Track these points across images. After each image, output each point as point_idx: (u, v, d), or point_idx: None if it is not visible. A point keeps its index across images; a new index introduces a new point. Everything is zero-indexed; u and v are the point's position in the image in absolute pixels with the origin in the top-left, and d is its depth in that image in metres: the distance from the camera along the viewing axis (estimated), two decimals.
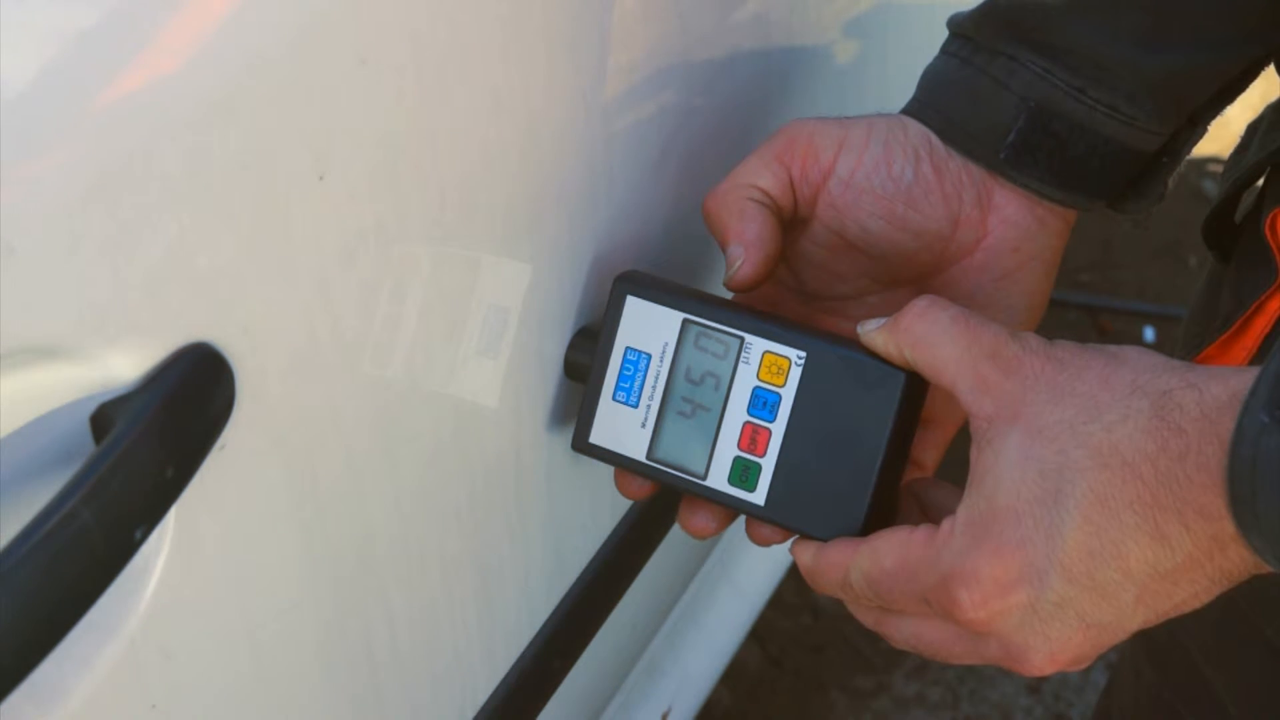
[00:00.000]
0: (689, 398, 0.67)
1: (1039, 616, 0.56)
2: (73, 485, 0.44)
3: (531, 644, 0.79)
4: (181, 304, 0.49)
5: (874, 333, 0.63)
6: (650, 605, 1.07)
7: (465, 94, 0.59)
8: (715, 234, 0.69)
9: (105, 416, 0.47)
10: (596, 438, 0.69)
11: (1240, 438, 0.50)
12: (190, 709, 0.54)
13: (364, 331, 0.58)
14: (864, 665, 1.74)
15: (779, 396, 0.66)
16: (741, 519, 0.69)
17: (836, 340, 0.66)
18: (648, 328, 0.68)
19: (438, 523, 0.67)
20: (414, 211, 0.59)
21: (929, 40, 0.75)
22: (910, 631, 0.60)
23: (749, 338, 0.66)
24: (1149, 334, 2.17)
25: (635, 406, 0.68)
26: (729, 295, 0.70)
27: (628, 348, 0.69)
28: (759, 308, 0.70)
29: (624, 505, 0.86)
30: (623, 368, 0.69)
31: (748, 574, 1.32)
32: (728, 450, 0.67)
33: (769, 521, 0.67)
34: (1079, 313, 2.20)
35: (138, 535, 0.46)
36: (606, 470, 0.71)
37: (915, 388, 0.64)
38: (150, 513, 0.47)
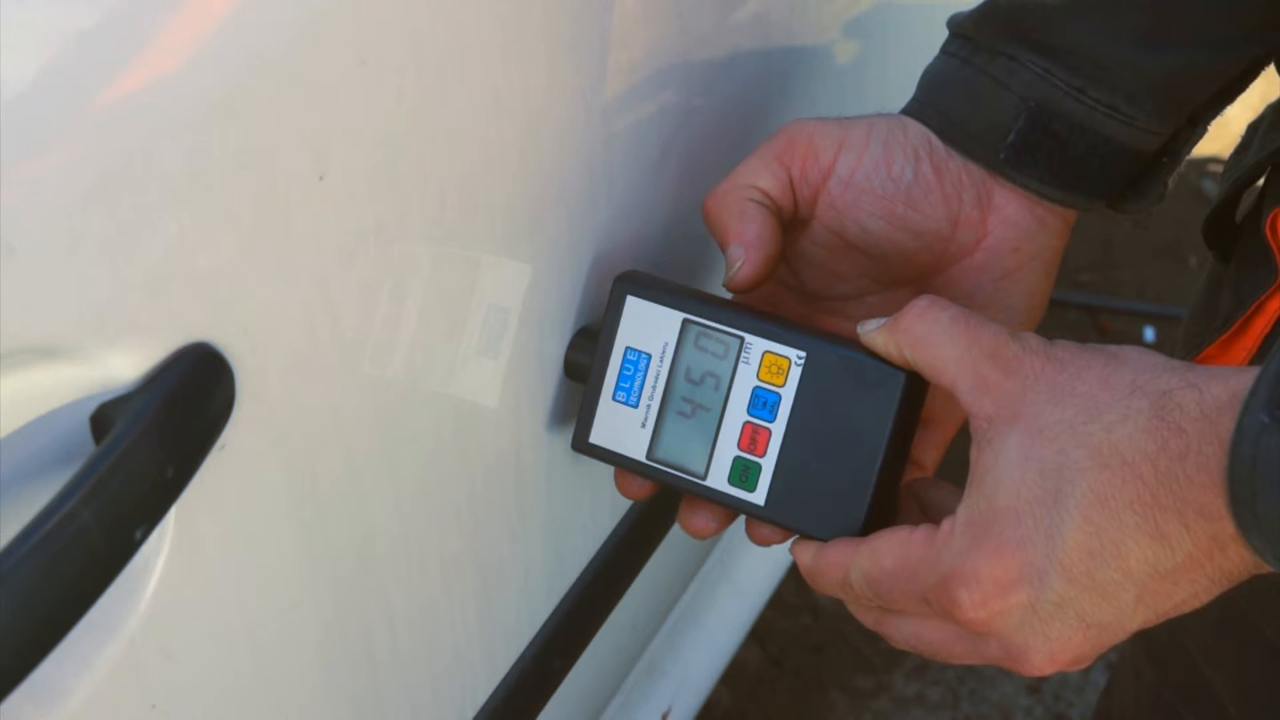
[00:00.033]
0: (689, 398, 0.67)
1: (1039, 616, 0.56)
2: (73, 485, 0.44)
3: (531, 644, 0.79)
4: (181, 304, 0.49)
5: (874, 333, 0.63)
6: (650, 605, 1.07)
7: (465, 94, 0.59)
8: (715, 234, 0.69)
9: (105, 416, 0.47)
10: (596, 438, 0.69)
11: (1240, 438, 0.50)
12: (190, 709, 0.54)
13: (364, 331, 0.58)
14: (864, 665, 1.74)
15: (779, 396, 0.66)
16: (741, 519, 0.69)
17: (836, 340, 0.66)
18: (648, 328, 0.68)
19: (438, 523, 0.67)
20: (414, 211, 0.59)
21: (929, 40, 0.75)
22: (910, 631, 0.60)
23: (749, 338, 0.66)
24: (1149, 334, 2.17)
25: (635, 406, 0.68)
26: (729, 295, 0.70)
27: (628, 348, 0.69)
28: (759, 308, 0.70)
29: (624, 505, 0.86)
30: (623, 368, 0.69)
31: (748, 574, 1.32)
32: (728, 450, 0.67)
33: (769, 521, 0.67)
34: (1079, 313, 2.20)
35: (138, 535, 0.46)
36: (606, 470, 0.71)
37: (915, 388, 0.64)
38: (150, 513, 0.47)
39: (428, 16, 0.56)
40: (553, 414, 0.73)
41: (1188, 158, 0.74)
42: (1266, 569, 0.54)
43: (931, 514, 0.65)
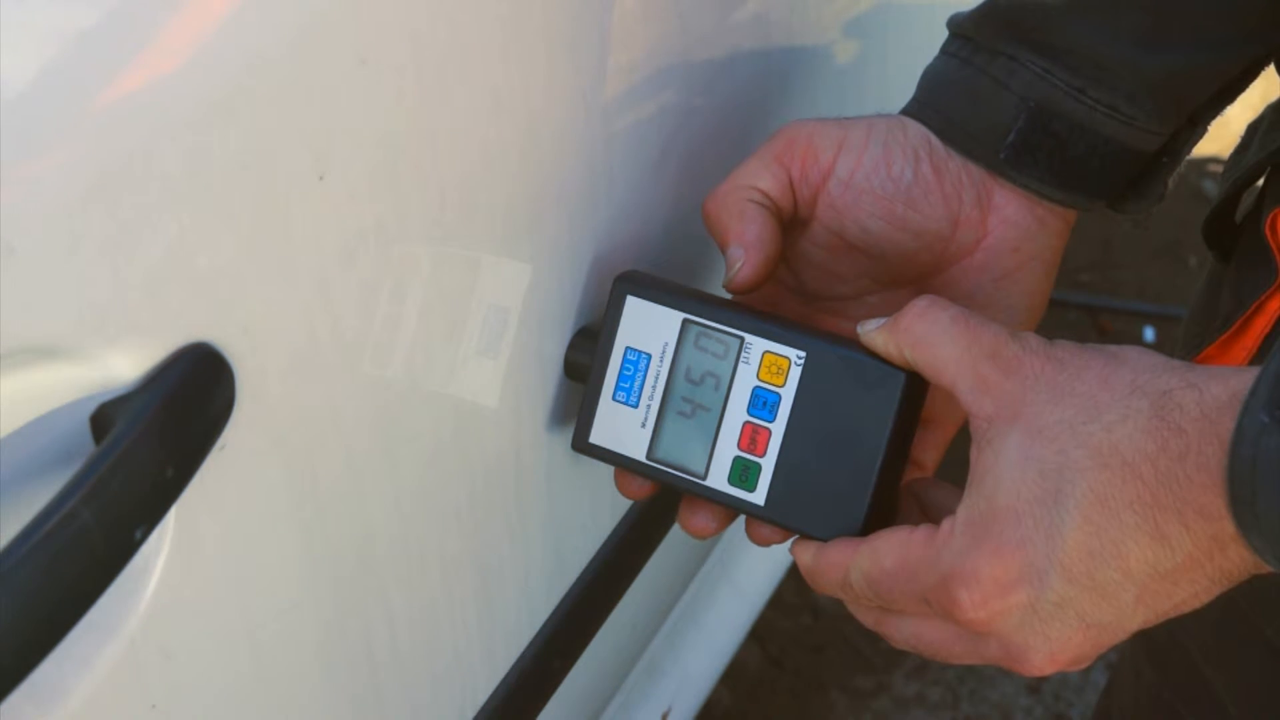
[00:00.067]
0: (689, 398, 0.67)
1: (1039, 616, 0.56)
2: (73, 485, 0.44)
3: (531, 644, 0.79)
4: (181, 304, 0.49)
5: (874, 333, 0.63)
6: (650, 605, 1.07)
7: (465, 94, 0.59)
8: (715, 236, 0.69)
9: (105, 416, 0.47)
10: (596, 438, 0.69)
11: (1240, 438, 0.50)
12: (190, 709, 0.54)
13: (364, 331, 0.58)
14: (864, 665, 1.74)
15: (779, 396, 0.66)
16: (741, 519, 0.69)
17: (836, 340, 0.66)
18: (648, 328, 0.68)
19: (438, 523, 0.67)
20: (414, 211, 0.59)
21: (929, 40, 0.75)
22: (910, 631, 0.60)
23: (749, 338, 0.66)
24: (1149, 334, 2.17)
25: (635, 406, 0.68)
26: (729, 295, 0.70)
27: (628, 348, 0.69)
28: (759, 308, 0.70)
29: (624, 505, 0.86)
30: (623, 368, 0.69)
31: (748, 574, 1.32)
32: (728, 450, 0.67)
33: (769, 521, 0.67)
34: (1079, 313, 2.20)
35: (138, 535, 0.46)
36: (606, 470, 0.71)
37: (915, 388, 0.64)
38: (150, 513, 0.47)
39: (428, 16, 0.56)
40: (553, 414, 0.73)
41: (1188, 158, 0.74)
42: (1266, 569, 0.54)
43: (931, 514, 0.65)
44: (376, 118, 0.55)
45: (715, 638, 1.28)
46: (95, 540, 0.45)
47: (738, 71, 0.83)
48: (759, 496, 0.66)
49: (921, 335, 0.60)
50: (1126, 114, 0.69)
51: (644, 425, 0.68)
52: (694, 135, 0.79)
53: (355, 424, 0.59)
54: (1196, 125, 0.73)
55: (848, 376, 0.64)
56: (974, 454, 0.58)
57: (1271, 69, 0.72)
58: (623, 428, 0.69)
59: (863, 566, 0.60)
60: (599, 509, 0.83)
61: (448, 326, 0.63)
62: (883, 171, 0.69)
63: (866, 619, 0.63)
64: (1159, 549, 0.53)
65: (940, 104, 0.71)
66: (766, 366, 0.66)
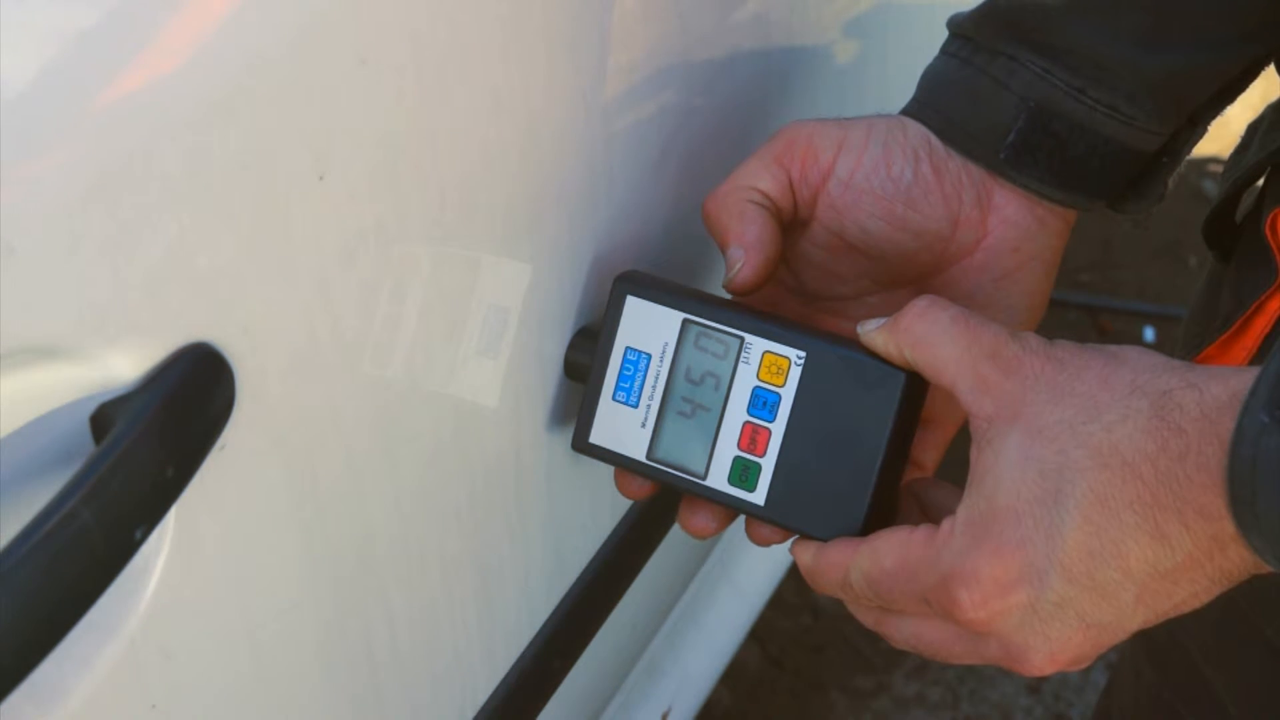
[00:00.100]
0: (689, 398, 0.67)
1: (1039, 616, 0.56)
2: (73, 485, 0.44)
3: (531, 644, 0.79)
4: (181, 304, 0.49)
5: (874, 333, 0.63)
6: (650, 605, 1.07)
7: (465, 94, 0.59)
8: (715, 236, 0.69)
9: (105, 416, 0.47)
10: (596, 438, 0.69)
11: (1240, 438, 0.50)
12: (190, 709, 0.54)
13: (364, 331, 0.58)
14: (864, 665, 1.74)
15: (779, 396, 0.66)
16: (741, 519, 0.69)
17: (836, 340, 0.66)
18: (648, 328, 0.68)
19: (438, 523, 0.67)
20: (414, 211, 0.59)
21: (929, 40, 0.75)
22: (910, 631, 0.60)
23: (749, 338, 0.66)
24: (1149, 334, 2.17)
25: (635, 406, 0.68)
26: (729, 296, 0.70)
27: (628, 348, 0.69)
28: (759, 308, 0.70)
29: (624, 505, 0.86)
30: (623, 368, 0.69)
31: (748, 574, 1.32)
32: (728, 450, 0.67)
33: (769, 521, 0.67)
34: (1079, 313, 2.20)
35: (138, 535, 0.46)
36: (606, 470, 0.71)
37: (915, 388, 0.64)
38: (150, 513, 0.47)
39: (428, 16, 0.56)
40: (553, 414, 0.73)
41: (1188, 158, 0.74)
42: (1266, 569, 0.54)
43: (931, 514, 0.65)
44: (376, 118, 0.55)
45: (715, 638, 1.28)
46: (95, 540, 0.45)
47: (738, 71, 0.83)
48: (759, 496, 0.66)
49: (921, 335, 0.60)
50: (1126, 114, 0.69)
51: (644, 425, 0.68)
52: (694, 135, 0.79)
53: (355, 424, 0.59)
54: (1196, 125, 0.73)
55: (848, 376, 0.64)
56: (974, 454, 0.57)
57: (1271, 69, 0.72)
58: (623, 428, 0.69)
59: (863, 566, 0.60)
60: (599, 509, 0.83)
61: (448, 326, 0.63)
62: (882, 172, 0.69)
63: (866, 619, 0.63)
64: (1159, 549, 0.54)
65: (940, 104, 0.71)
66: (766, 366, 0.66)
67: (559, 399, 0.73)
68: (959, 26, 0.72)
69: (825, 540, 0.64)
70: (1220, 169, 1.03)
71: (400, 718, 0.69)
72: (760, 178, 0.69)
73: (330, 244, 0.54)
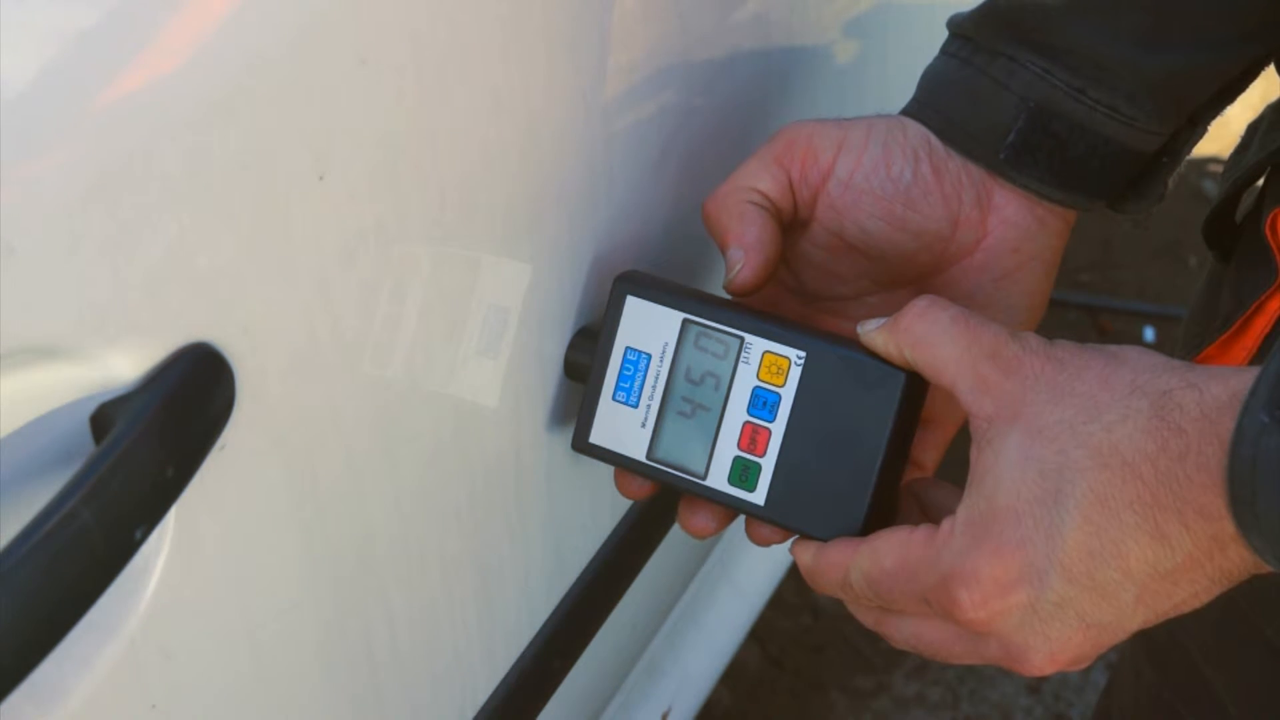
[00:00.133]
0: (689, 398, 0.67)
1: (1039, 616, 0.56)
2: (73, 485, 0.44)
3: (531, 644, 0.79)
4: (181, 304, 0.49)
5: (874, 333, 0.63)
6: (650, 605, 1.07)
7: (465, 94, 0.59)
8: (715, 237, 0.69)
9: (105, 416, 0.47)
10: (596, 438, 0.69)
11: (1240, 438, 0.50)
12: (190, 709, 0.54)
13: (364, 331, 0.58)
14: (864, 665, 1.74)
15: (779, 396, 0.66)
16: (741, 519, 0.69)
17: (836, 340, 0.66)
18: (648, 328, 0.68)
19: (438, 523, 0.67)
20: (414, 211, 0.59)
21: (929, 40, 0.75)
22: (910, 631, 0.60)
23: (749, 338, 0.66)
24: (1149, 334, 2.17)
25: (635, 406, 0.68)
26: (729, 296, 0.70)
27: (628, 348, 0.69)
28: (759, 308, 0.70)
29: (624, 505, 0.86)
30: (623, 368, 0.69)
31: (748, 574, 1.32)
32: (727, 450, 0.67)
33: (769, 521, 0.67)
34: (1079, 313, 2.20)
35: (138, 535, 0.46)
36: (606, 470, 0.71)
37: (915, 388, 0.64)
38: (150, 513, 0.47)
39: (428, 16, 0.56)
40: (553, 414, 0.73)
41: (1188, 158, 0.74)
42: (1266, 569, 0.54)
43: (931, 514, 0.65)
44: (376, 118, 0.55)
45: (715, 638, 1.28)
46: (95, 540, 0.45)
47: (738, 71, 0.83)
48: (759, 496, 0.66)
49: (921, 335, 0.60)
50: (1126, 114, 0.69)
51: (644, 425, 0.68)
52: (694, 135, 0.79)
53: (355, 424, 0.59)
54: (1196, 125, 0.73)
55: (848, 376, 0.64)
56: (974, 454, 0.57)
57: (1271, 69, 0.72)
58: (623, 428, 0.69)
59: (863, 566, 0.60)
60: (599, 509, 0.83)
61: (448, 326, 0.63)
62: (882, 172, 0.69)
63: (866, 619, 0.63)
64: (1159, 549, 0.54)
65: (940, 104, 0.71)
66: (766, 366, 0.66)
67: (559, 399, 0.73)
68: (959, 27, 0.72)
69: (825, 540, 0.64)
70: (1220, 169, 1.03)
71: (400, 718, 0.69)
72: (760, 178, 0.69)
73: (330, 244, 0.54)
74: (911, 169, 0.69)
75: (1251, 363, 0.71)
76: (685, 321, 0.68)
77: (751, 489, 0.66)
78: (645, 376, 0.68)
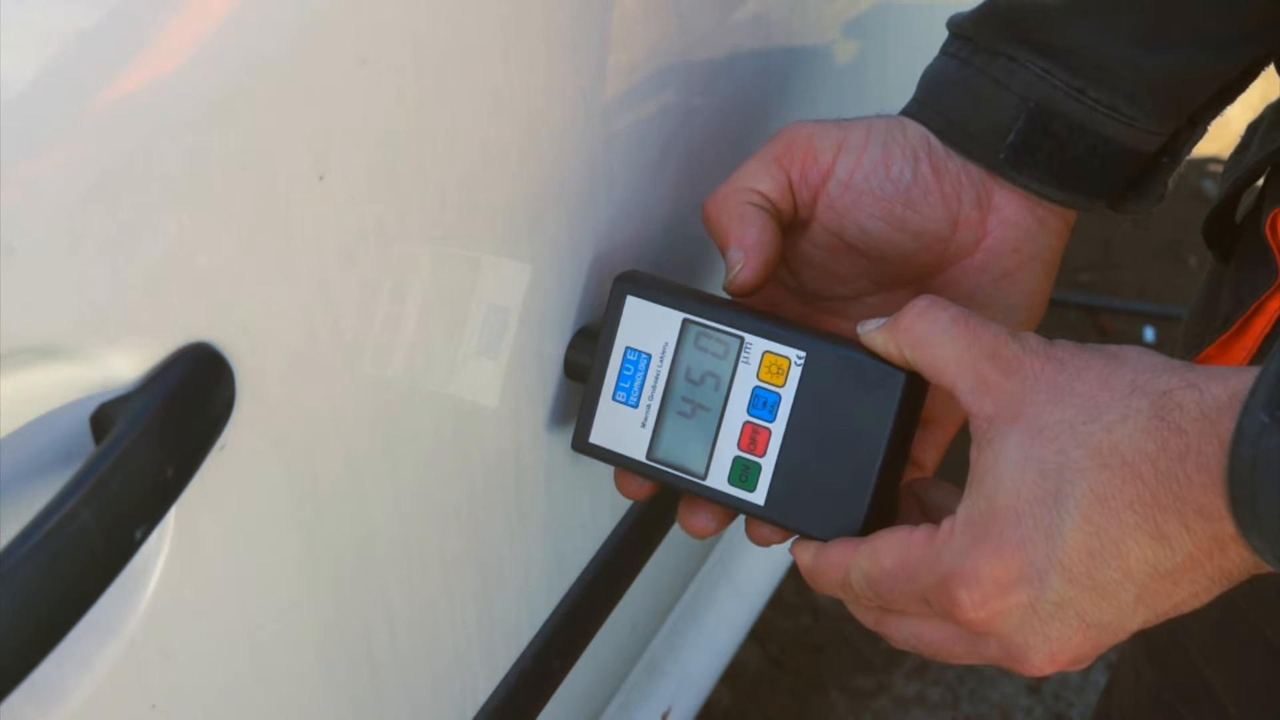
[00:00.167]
0: (689, 397, 0.67)
1: (1039, 616, 0.56)
2: (73, 485, 0.44)
3: (531, 644, 0.79)
4: (181, 304, 0.49)
5: (874, 333, 0.63)
6: (650, 605, 1.07)
7: (465, 94, 0.59)
8: (715, 238, 0.69)
9: (105, 416, 0.47)
10: (596, 438, 0.69)
11: (1240, 438, 0.50)
12: (190, 709, 0.54)
13: (364, 331, 0.58)
14: (864, 665, 1.74)
15: (779, 396, 0.66)
16: (741, 519, 0.69)
17: (836, 340, 0.66)
18: (648, 328, 0.68)
19: (438, 523, 0.67)
20: (414, 211, 0.59)
21: (929, 40, 0.75)
22: (910, 631, 0.60)
23: (749, 338, 0.66)
24: (1149, 334, 2.17)
25: (635, 406, 0.68)
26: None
27: (628, 348, 0.69)
28: (759, 308, 0.70)
29: (624, 505, 0.86)
30: (623, 368, 0.69)
31: (748, 574, 1.32)
32: (727, 450, 0.67)
33: (769, 521, 0.67)
34: (1079, 313, 2.20)
35: (138, 535, 0.46)
36: (606, 470, 0.71)
37: (915, 388, 0.64)
38: (150, 513, 0.47)
39: (428, 16, 0.56)
40: (553, 414, 0.73)
41: (1188, 158, 0.74)
42: (1266, 569, 0.54)
43: (931, 514, 0.65)
44: (376, 118, 0.55)
45: (715, 638, 1.28)
46: (95, 540, 0.45)
47: (738, 71, 0.83)
48: (759, 496, 0.66)
49: (921, 335, 0.60)
50: (1126, 114, 0.69)
51: (644, 425, 0.68)
52: (694, 135, 0.79)
53: (355, 424, 0.59)
54: (1196, 125, 0.73)
55: (848, 376, 0.64)
56: (974, 454, 0.58)
57: (1271, 69, 0.72)
58: (623, 428, 0.69)
59: (863, 566, 0.60)
60: (599, 509, 0.83)
61: (448, 326, 0.63)
62: (882, 172, 0.69)
63: (866, 619, 0.63)
64: (1159, 549, 0.54)
65: (940, 104, 0.71)
66: (766, 366, 0.66)
67: (559, 399, 0.73)
68: (959, 27, 0.72)
69: (825, 540, 0.64)
70: (1220, 169, 1.03)
71: (400, 718, 0.69)
72: (760, 179, 0.69)
73: (330, 244, 0.54)
74: (911, 169, 0.69)
75: (1251, 363, 0.71)
76: (685, 321, 0.68)
77: (751, 489, 0.66)
78: (645, 376, 0.68)
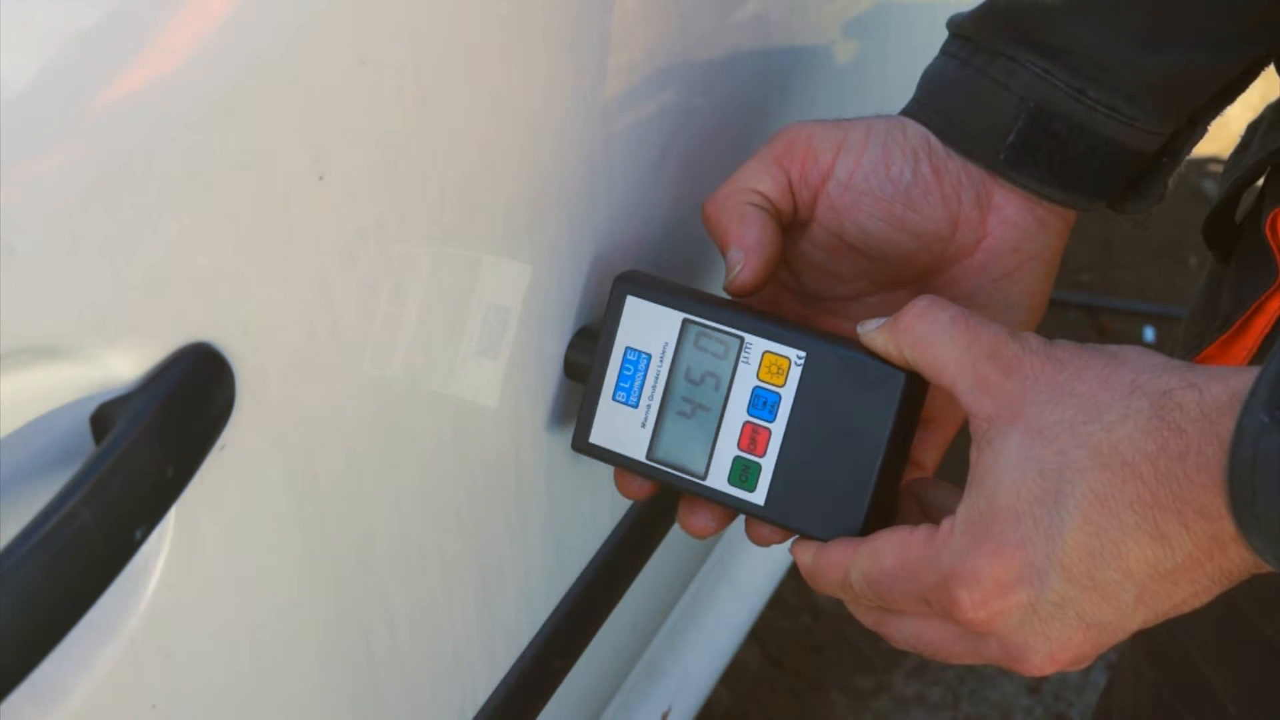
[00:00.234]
0: (689, 397, 0.67)
1: (1039, 616, 0.56)
2: (73, 485, 0.44)
3: (531, 644, 0.79)
4: (181, 304, 0.49)
5: (874, 333, 0.63)
6: (650, 605, 1.07)
7: (465, 94, 0.59)
8: (715, 239, 0.69)
9: (105, 416, 0.47)
10: (596, 438, 0.69)
11: (1240, 438, 0.50)
12: (190, 709, 0.54)
13: (364, 331, 0.58)
14: (864, 665, 1.74)
15: (779, 396, 0.66)
16: (741, 519, 0.69)
17: (836, 340, 0.66)
18: (648, 328, 0.68)
19: (438, 523, 0.67)
20: (414, 211, 0.59)
21: (929, 40, 0.75)
22: (910, 631, 0.60)
23: (749, 338, 0.66)
24: (1149, 334, 2.17)
25: (635, 406, 0.68)
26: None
27: (628, 348, 0.69)
28: (759, 308, 0.70)
29: (624, 505, 0.86)
30: (623, 368, 0.69)
31: (748, 574, 1.32)
32: (727, 450, 0.67)
33: (769, 521, 0.67)
34: (1079, 313, 2.20)
35: (138, 535, 0.46)
36: (606, 470, 0.71)
37: (915, 388, 0.64)
38: (150, 513, 0.47)
39: (428, 16, 0.56)
40: (553, 414, 0.73)
41: (1188, 158, 0.74)
42: (1266, 569, 0.54)
43: (931, 514, 0.65)
44: (376, 118, 0.55)
45: (715, 638, 1.28)
46: (95, 540, 0.45)
47: (738, 71, 0.83)
48: (759, 496, 0.66)
49: (921, 335, 0.60)
50: (1126, 114, 0.69)
51: (644, 425, 0.68)
52: (694, 135, 0.79)
53: (355, 424, 0.59)
54: (1196, 125, 0.73)
55: (848, 376, 0.64)
56: (974, 454, 0.58)
57: (1271, 69, 0.72)
58: (623, 428, 0.69)
59: (863, 566, 0.60)
60: (599, 509, 0.83)
61: (448, 326, 0.63)
62: (882, 172, 0.69)
63: (866, 619, 0.63)
64: (1159, 549, 0.54)
65: (940, 104, 0.71)
66: (766, 366, 0.66)
67: (559, 399, 0.73)
68: (959, 27, 0.72)
69: (825, 540, 0.64)
70: (1220, 169, 1.03)
71: (400, 718, 0.69)
72: (760, 179, 0.69)
73: (330, 244, 0.54)
74: (911, 169, 0.69)
75: (1251, 363, 0.71)
76: (685, 321, 0.68)
77: (751, 489, 0.66)
78: (645, 376, 0.68)
